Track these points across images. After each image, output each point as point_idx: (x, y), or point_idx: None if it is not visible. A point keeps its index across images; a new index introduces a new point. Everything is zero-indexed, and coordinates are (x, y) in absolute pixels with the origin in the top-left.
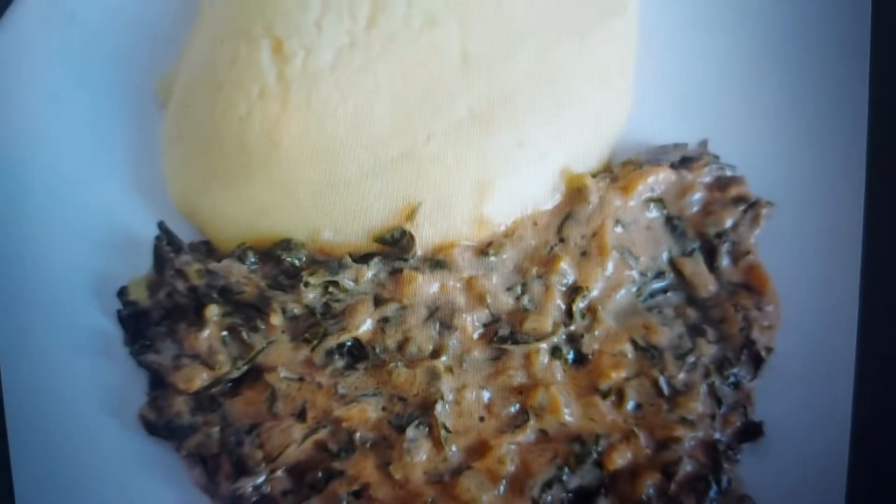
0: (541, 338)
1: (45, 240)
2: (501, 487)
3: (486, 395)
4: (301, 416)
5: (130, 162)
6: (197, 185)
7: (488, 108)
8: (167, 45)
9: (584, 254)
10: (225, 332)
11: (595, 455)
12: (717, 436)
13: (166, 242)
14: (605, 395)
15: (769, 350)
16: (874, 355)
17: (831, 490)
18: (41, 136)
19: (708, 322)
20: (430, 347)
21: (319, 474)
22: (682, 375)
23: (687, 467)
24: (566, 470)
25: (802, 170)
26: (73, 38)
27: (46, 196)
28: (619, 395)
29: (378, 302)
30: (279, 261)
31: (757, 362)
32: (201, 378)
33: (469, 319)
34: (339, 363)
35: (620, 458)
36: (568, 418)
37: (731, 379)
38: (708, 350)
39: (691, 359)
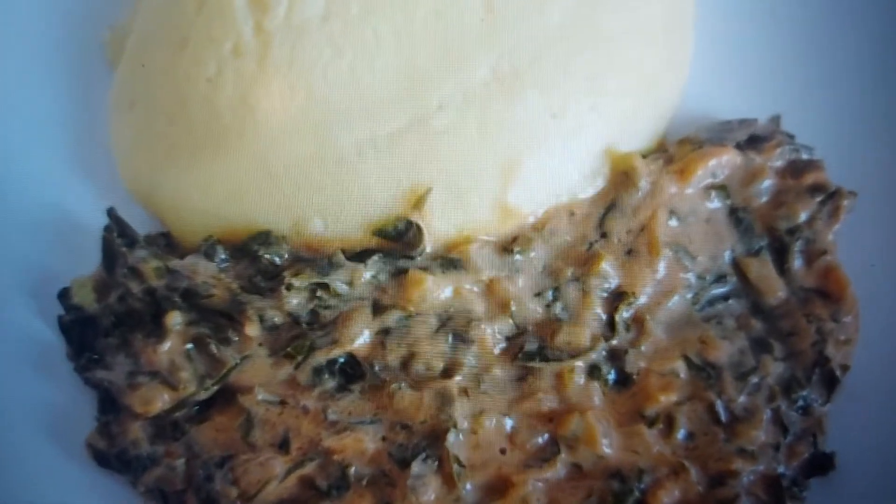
0: (576, 354)
1: None
2: None
3: (508, 422)
4: (283, 446)
5: (73, 133)
6: (155, 161)
7: (515, 70)
8: None
9: (630, 252)
10: (190, 345)
11: (637, 493)
12: (780, 469)
13: (117, 234)
14: (651, 423)
15: (845, 369)
16: None
17: None
18: None
19: (775, 335)
20: (441, 365)
21: None
22: (742, 399)
23: None
24: None
25: (890, 153)
26: None
27: None
28: (668, 423)
29: (377, 309)
30: (256, 258)
31: (831, 383)
32: (162, 400)
33: (489, 331)
34: (330, 383)
35: (667, 497)
36: (606, 450)
37: (800, 403)
38: (774, 369)
39: (754, 379)
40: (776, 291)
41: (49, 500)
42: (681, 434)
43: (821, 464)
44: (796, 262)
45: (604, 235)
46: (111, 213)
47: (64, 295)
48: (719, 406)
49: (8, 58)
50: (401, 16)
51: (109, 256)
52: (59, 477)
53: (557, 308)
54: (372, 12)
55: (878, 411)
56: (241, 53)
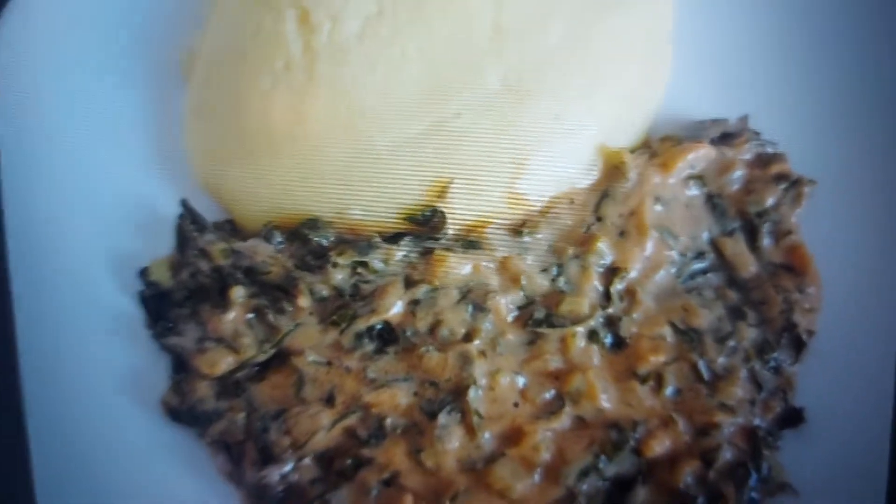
0: (578, 321)
1: (65, 218)
2: (536, 475)
3: (520, 380)
4: (329, 401)
5: (152, 137)
6: (221, 160)
7: (521, 81)
8: (190, 18)
9: (622, 233)
10: (250, 314)
11: (633, 442)
12: (757, 422)
13: (189, 221)
14: (643, 380)
15: (811, 333)
16: None
17: (873, 477)
18: (61, 110)
19: (749, 304)
20: (463, 331)
21: (349, 462)
22: (722, 359)
23: (726, 454)
24: (603, 458)
25: (846, 146)
26: (91, 11)
27: (67, 173)
28: (658, 380)
29: (409, 283)
30: (306, 240)
31: (798, 346)
32: (226, 362)
33: (503, 302)
34: (369, 347)
35: (659, 445)
36: (605, 404)
37: (772, 363)
38: (748, 333)
39: (731, 342)
40: (748, 266)
41: (129, 450)
42: (669, 390)
43: (792, 417)
44: (765, 241)
45: (599, 219)
46: (184, 203)
47: (144, 273)
48: (702, 366)
49: (103, 75)
50: (423, 36)
51: (182, 240)
52: (137, 430)
53: (561, 282)
54: (399, 33)
55: (841, 370)
56: (292, 69)
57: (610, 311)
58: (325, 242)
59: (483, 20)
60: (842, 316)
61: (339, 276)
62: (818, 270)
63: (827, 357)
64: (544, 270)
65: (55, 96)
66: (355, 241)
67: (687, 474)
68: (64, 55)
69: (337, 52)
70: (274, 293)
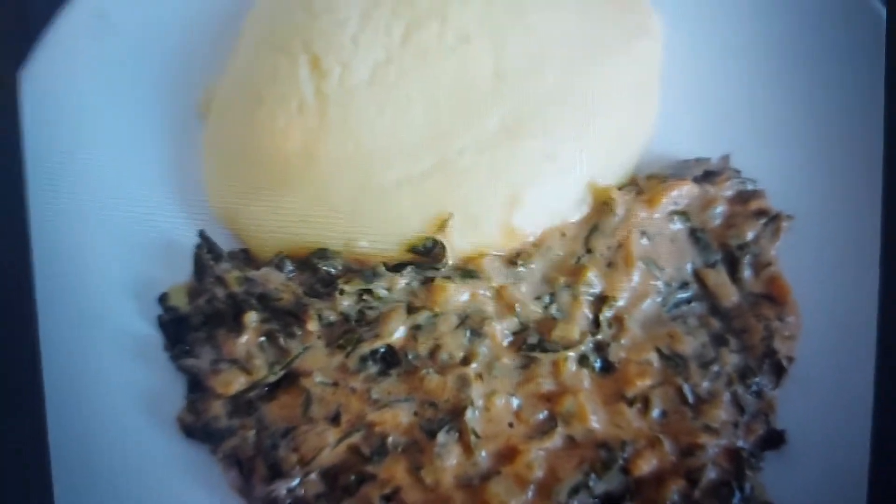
0: (569, 346)
1: (88, 247)
2: (529, 492)
3: (514, 401)
4: (335, 420)
5: (172, 172)
6: (236, 194)
7: (519, 122)
8: (208, 59)
9: (610, 265)
10: (262, 338)
11: (621, 461)
12: (740, 443)
13: (206, 250)
14: (631, 403)
15: (790, 359)
16: (894, 362)
17: (852, 496)
18: (86, 145)
19: (731, 332)
20: (461, 354)
21: (352, 478)
22: (705, 384)
23: (711, 474)
24: (593, 476)
25: (821, 182)
26: (116, 50)
27: (90, 204)
28: (645, 403)
29: (410, 310)
30: (316, 269)
31: (778, 371)
32: (239, 382)
33: (499, 328)
34: (373, 369)
35: (646, 465)
36: (595, 425)
37: (754, 388)
38: (731, 359)
39: (715, 367)
40: (730, 296)
41: (147, 465)
42: (655, 412)
43: (774, 439)
44: (746, 273)
45: (589, 251)
46: (202, 233)
47: (162, 299)
48: (687, 389)
49: (122, 111)
50: (428, 82)
51: (199, 268)
52: (155, 446)
53: (553, 309)
54: (405, 79)
55: (819, 394)
56: (305, 111)
57: (599, 337)
58: (333, 271)
59: (483, 67)
60: (819, 343)
61: (346, 303)
62: (796, 300)
63: (806, 382)
64: (537, 298)
65: (82, 133)
66: (361, 270)
67: (673, 492)
68: (89, 94)
69: (347, 96)
70: (285, 318)
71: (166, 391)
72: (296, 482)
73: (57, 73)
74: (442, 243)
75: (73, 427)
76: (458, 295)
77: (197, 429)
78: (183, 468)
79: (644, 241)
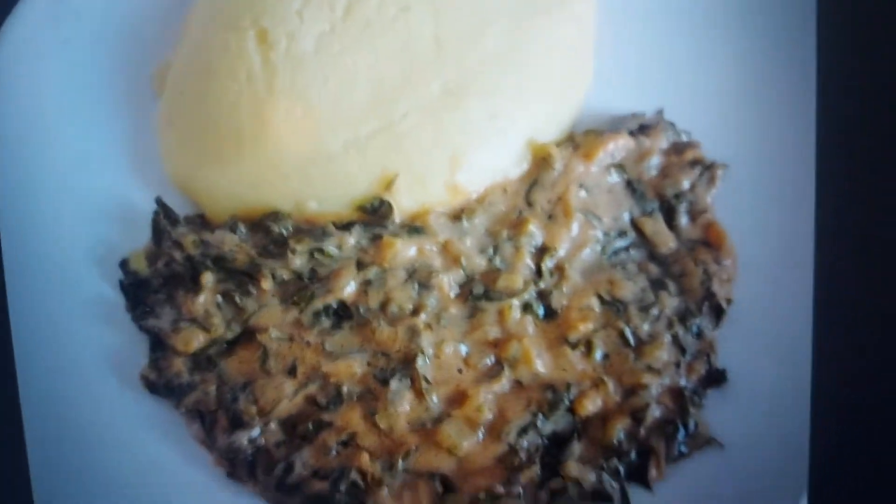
0: (513, 295)
1: (53, 216)
2: (480, 434)
3: (463, 348)
4: (292, 372)
5: (130, 143)
6: (192, 163)
7: (460, 85)
8: (161, 38)
9: (550, 217)
10: (219, 297)
11: (567, 402)
12: (682, 382)
13: (164, 216)
14: (574, 346)
15: (729, 301)
16: (831, 300)
17: (795, 431)
18: (49, 121)
19: (669, 276)
20: (410, 307)
21: (310, 426)
22: (646, 326)
23: (655, 413)
24: (540, 416)
25: (755, 132)
26: (76, 33)
27: (55, 176)
28: (588, 346)
29: (360, 266)
30: (268, 231)
31: (718, 313)
32: (198, 340)
33: (446, 280)
34: (326, 323)
35: (591, 405)
36: (540, 368)
37: (694, 329)
38: (670, 302)
39: (655, 311)
40: (668, 243)
41: (113, 421)
42: (598, 355)
43: (715, 377)
44: (682, 220)
45: (530, 205)
46: (158, 200)
47: (124, 264)
48: (628, 332)
49: (83, 89)
50: (371, 50)
51: (158, 233)
52: (120, 403)
53: (497, 261)
54: (349, 49)
55: (758, 333)
56: (254, 81)
57: (542, 285)
58: (284, 232)
59: (424, 34)
60: (757, 285)
61: (298, 262)
62: (733, 244)
63: (745, 322)
64: (482, 251)
65: (45, 110)
66: (312, 230)
67: (619, 431)
68: (52, 74)
69: (293, 65)
70: (240, 278)
71: (130, 351)
72: (256, 432)
73: (22, 56)
74: (388, 202)
75: (42, 387)
76: (405, 250)
77: (160, 385)
78: (148, 423)
79: (582, 193)
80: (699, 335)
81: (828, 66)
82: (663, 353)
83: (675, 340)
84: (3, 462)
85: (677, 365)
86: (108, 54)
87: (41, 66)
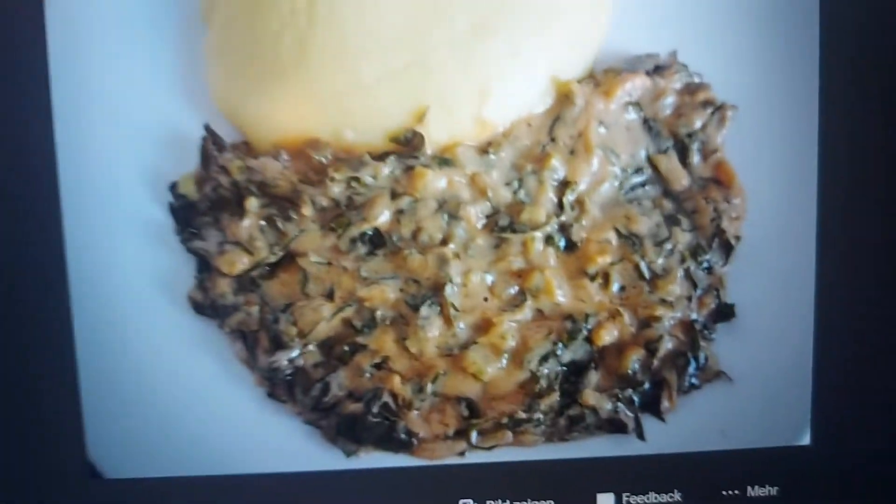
0: (536, 227)
1: (105, 141)
2: (504, 360)
3: (489, 278)
4: (330, 296)
5: (180, 72)
6: (238, 92)
7: (486, 21)
8: None
9: (572, 152)
10: (263, 222)
11: (585, 332)
12: (693, 316)
13: (212, 142)
14: (592, 278)
15: (738, 238)
16: (834, 237)
17: (800, 364)
18: (103, 46)
19: (682, 213)
20: (440, 236)
21: (346, 348)
22: (660, 260)
23: (668, 345)
24: (560, 345)
25: (763, 75)
26: None
27: (108, 100)
28: (605, 278)
29: (394, 195)
30: (309, 158)
31: (727, 249)
32: (242, 262)
33: (473, 211)
34: (362, 249)
35: (608, 335)
36: (561, 299)
37: (705, 264)
38: (683, 238)
39: (668, 245)
40: (681, 180)
41: (162, 339)
42: (615, 287)
43: (724, 312)
44: (695, 158)
45: (552, 140)
46: (207, 127)
47: (173, 187)
48: (643, 266)
49: (134, 18)
50: None
51: (206, 158)
52: (169, 322)
53: (521, 194)
54: None
55: (765, 269)
56: (296, 13)
57: (563, 218)
58: (324, 160)
59: None
60: (764, 222)
61: (336, 189)
62: (742, 183)
63: (753, 259)
64: (507, 184)
65: (98, 39)
66: (349, 159)
67: (633, 361)
68: (106, 8)
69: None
70: (282, 203)
71: (178, 272)
72: (296, 353)
73: None
74: (420, 134)
75: (93, 306)
76: (436, 181)
77: (206, 305)
78: (194, 340)
79: (602, 129)
80: (709, 270)
81: (831, 6)
82: (676, 287)
83: (688, 275)
84: (55, 380)
85: (689, 299)
86: None
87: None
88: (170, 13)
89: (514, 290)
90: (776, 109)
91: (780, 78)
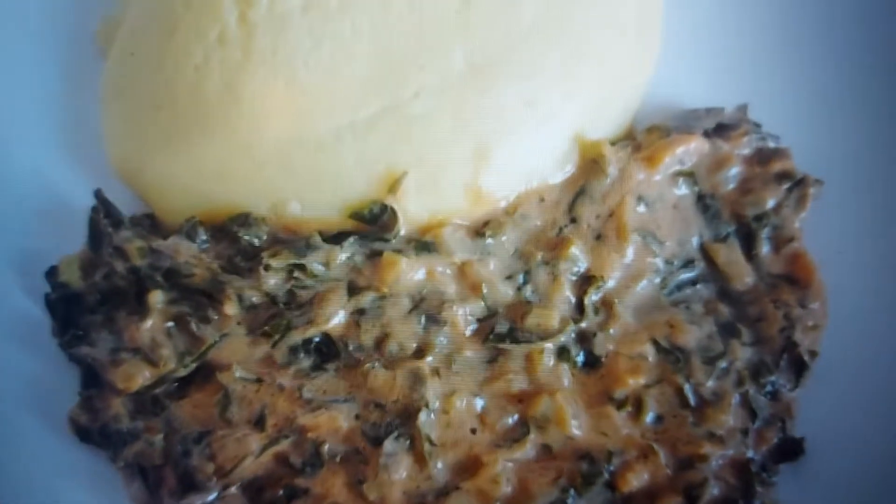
0: (546, 336)
1: None
2: None
3: (479, 402)
4: (259, 423)
5: (64, 119)
6: (142, 145)
7: (489, 60)
8: None
9: (599, 237)
10: (171, 323)
11: (606, 475)
12: (749, 454)
13: (104, 214)
14: (620, 405)
15: (814, 354)
16: None
17: None
18: None
19: (743, 320)
20: (414, 345)
21: (280, 492)
22: (710, 383)
23: (714, 490)
24: (572, 492)
25: (854, 142)
26: None
27: None
28: (637, 405)
29: (352, 290)
30: (235, 238)
31: (799, 368)
32: (143, 376)
33: (461, 312)
34: (305, 362)
35: (636, 479)
36: (575, 431)
37: (769, 388)
38: (742, 354)
39: (722, 364)
40: (744, 277)
41: (30, 471)
42: (649, 417)
43: (790, 449)
44: (764, 249)
45: (573, 220)
46: (98, 194)
47: (51, 273)
48: (688, 390)
49: (8, 47)
50: (378, 8)
51: (95, 236)
52: (40, 450)
53: (528, 291)
54: (350, 5)
55: (847, 396)
56: (227, 42)
57: (583, 325)
58: (256, 242)
59: None
60: (849, 335)
61: (273, 281)
62: (823, 283)
63: (832, 381)
64: (509, 278)
65: None
66: (292, 240)
67: None
68: None
69: (277, 25)
70: (197, 299)
71: (56, 384)
72: (212, 496)
73: None
74: (392, 208)
75: None
76: (411, 272)
77: (93, 431)
78: (75, 476)
79: (641, 208)
80: (774, 396)
81: None
82: (729, 418)
83: (745, 401)
84: None
85: (745, 432)
86: (39, 4)
87: None
88: (55, 41)
89: (512, 418)
90: (871, 185)
91: (879, 144)
